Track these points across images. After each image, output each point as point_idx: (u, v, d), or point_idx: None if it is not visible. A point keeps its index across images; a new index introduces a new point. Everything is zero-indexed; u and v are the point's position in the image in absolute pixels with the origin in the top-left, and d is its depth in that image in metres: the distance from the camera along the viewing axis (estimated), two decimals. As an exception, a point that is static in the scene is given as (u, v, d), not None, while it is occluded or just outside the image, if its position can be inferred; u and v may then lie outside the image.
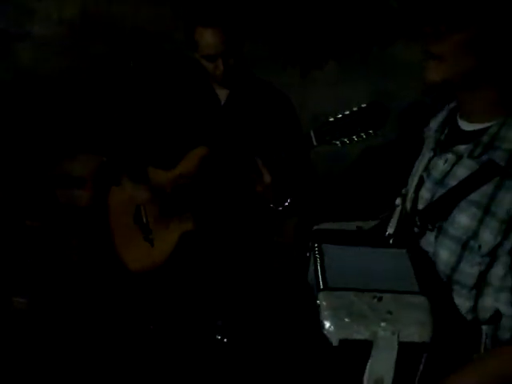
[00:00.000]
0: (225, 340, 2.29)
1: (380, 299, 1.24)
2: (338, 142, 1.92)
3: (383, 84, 3.06)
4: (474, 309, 1.31)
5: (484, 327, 1.31)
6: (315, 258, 1.37)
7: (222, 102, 2.34)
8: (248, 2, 3.05)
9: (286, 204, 2.16)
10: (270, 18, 3.23)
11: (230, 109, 2.33)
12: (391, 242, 1.40)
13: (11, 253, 3.13)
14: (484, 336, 1.31)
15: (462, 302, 1.32)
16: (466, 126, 1.37)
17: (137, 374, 2.45)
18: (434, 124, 1.50)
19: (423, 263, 1.35)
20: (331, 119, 1.93)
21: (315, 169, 2.39)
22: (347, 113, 1.92)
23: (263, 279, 2.39)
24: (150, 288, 2.42)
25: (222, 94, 2.33)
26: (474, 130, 1.34)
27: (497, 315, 1.29)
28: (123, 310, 2.67)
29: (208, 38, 2.14)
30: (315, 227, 1.51)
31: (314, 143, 1.94)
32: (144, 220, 2.34)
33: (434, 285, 1.31)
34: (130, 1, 3.44)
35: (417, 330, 1.21)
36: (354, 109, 1.91)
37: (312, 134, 1.94)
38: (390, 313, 1.23)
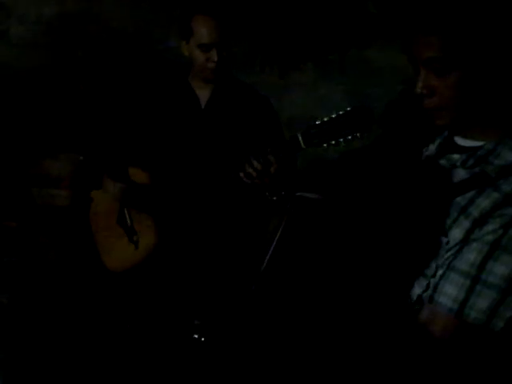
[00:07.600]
0: (202, 339, 2.29)
1: None
2: (325, 145, 1.96)
3: (360, 85, 3.10)
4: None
5: None
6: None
7: (203, 105, 2.34)
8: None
9: (281, 194, 2.17)
10: (249, 19, 3.25)
11: (211, 111, 2.34)
12: None
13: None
14: None
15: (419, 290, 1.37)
16: (462, 141, 1.43)
17: (114, 372, 2.45)
18: (432, 147, 1.55)
19: None
20: (318, 122, 1.96)
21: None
22: (334, 116, 1.95)
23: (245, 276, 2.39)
24: (128, 286, 2.42)
25: (203, 95, 2.34)
26: (471, 146, 1.39)
27: None
28: (101, 309, 2.66)
29: (206, 27, 2.17)
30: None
31: (302, 146, 1.97)
32: (128, 222, 2.34)
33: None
34: (110, 1, 3.43)
35: None
36: (340, 112, 1.94)
37: (300, 136, 1.97)
38: None
